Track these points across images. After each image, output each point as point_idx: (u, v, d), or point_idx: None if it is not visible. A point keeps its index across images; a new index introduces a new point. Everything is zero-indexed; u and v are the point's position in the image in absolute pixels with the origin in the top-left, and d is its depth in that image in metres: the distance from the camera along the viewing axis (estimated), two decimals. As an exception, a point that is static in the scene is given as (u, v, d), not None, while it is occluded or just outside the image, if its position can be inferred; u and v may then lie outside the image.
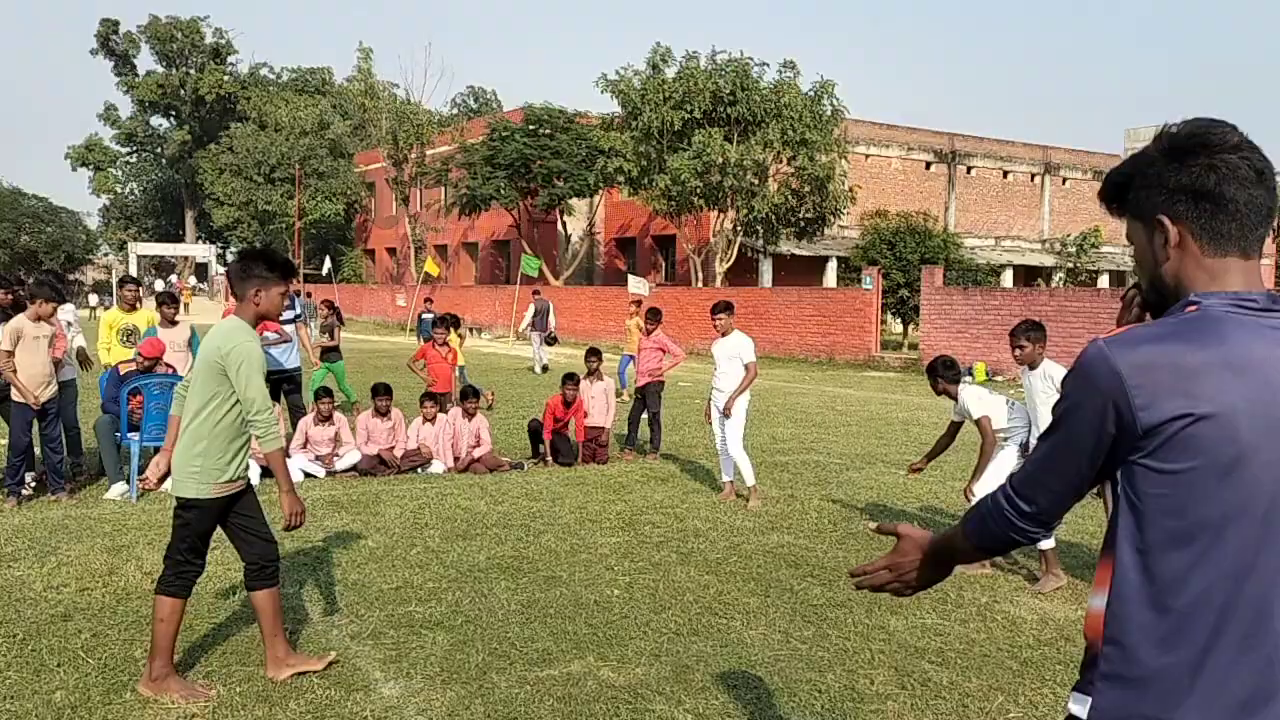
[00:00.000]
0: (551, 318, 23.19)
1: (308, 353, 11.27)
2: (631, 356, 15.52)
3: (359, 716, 4.29)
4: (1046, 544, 6.36)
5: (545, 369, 21.97)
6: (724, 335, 8.94)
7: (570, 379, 10.79)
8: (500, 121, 39.22)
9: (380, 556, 6.78)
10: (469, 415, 10.26)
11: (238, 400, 4.38)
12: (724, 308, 9.05)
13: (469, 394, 10.44)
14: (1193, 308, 1.67)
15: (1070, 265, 37.42)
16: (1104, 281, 41.41)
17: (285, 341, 10.40)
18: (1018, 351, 6.51)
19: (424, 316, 21.96)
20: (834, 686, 4.67)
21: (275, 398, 9.94)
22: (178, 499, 4.47)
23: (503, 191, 37.52)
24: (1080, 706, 1.72)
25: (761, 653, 5.07)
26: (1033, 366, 6.51)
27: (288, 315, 10.65)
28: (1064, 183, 49.09)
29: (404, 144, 46.42)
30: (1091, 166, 49.96)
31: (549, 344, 23.24)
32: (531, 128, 36.89)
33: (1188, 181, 1.69)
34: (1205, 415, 1.58)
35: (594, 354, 11.44)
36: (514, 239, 43.02)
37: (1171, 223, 1.72)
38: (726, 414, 8.69)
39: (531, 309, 22.63)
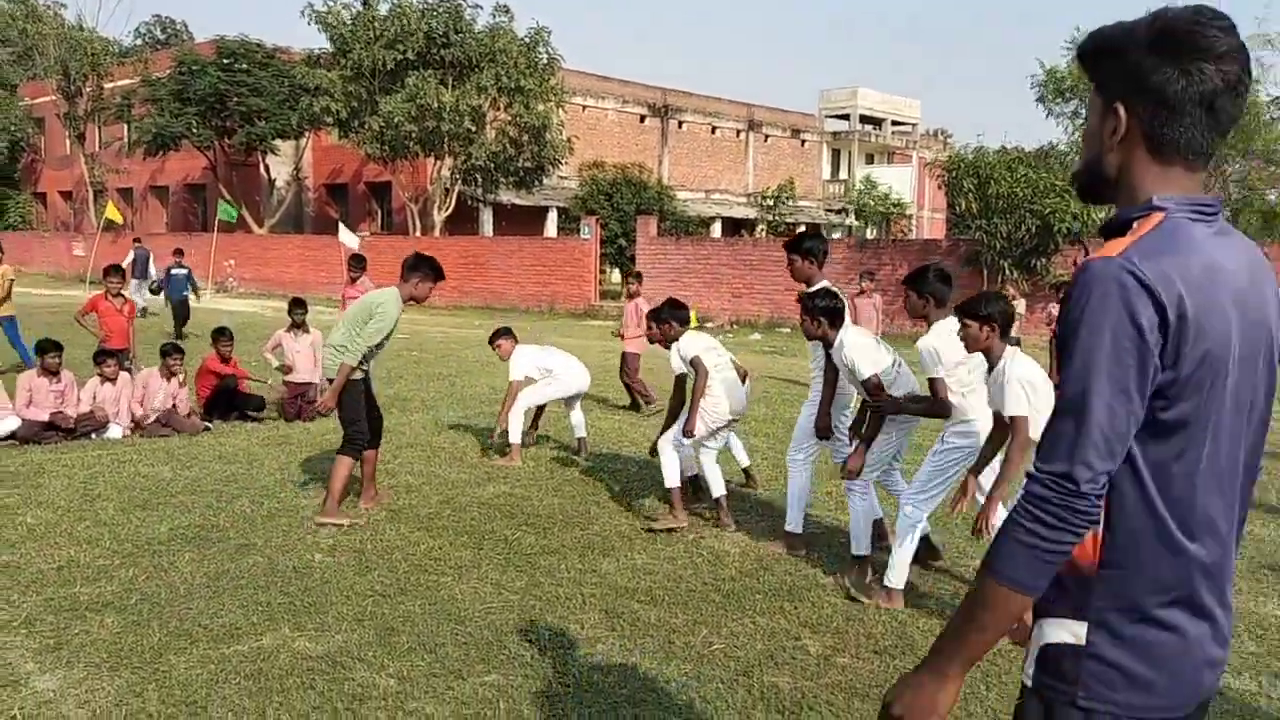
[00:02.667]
0: (152, 267, 22.98)
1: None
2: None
3: (6, 715, 3.74)
4: (674, 481, 6.38)
5: (145, 312, 21.41)
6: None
7: (222, 333, 10.03)
8: (189, 54, 35.81)
9: (41, 534, 5.98)
10: (169, 375, 9.30)
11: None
12: (502, 333, 8.72)
13: (170, 350, 9.42)
14: (1159, 215, 1.63)
15: (770, 218, 39.73)
16: (838, 234, 44.37)
17: None
18: (652, 330, 6.76)
19: (175, 273, 19.30)
20: (544, 634, 4.61)
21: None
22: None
23: (195, 130, 34.39)
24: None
25: (472, 607, 4.92)
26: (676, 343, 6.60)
27: None
28: (766, 139, 51.79)
29: (77, 76, 41.39)
30: (789, 125, 53.05)
31: (153, 293, 22.78)
32: (226, 62, 33.99)
33: (1158, 82, 1.63)
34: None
35: (299, 305, 10.72)
36: (210, 183, 39.72)
37: (1127, 115, 1.67)
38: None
39: (131, 256, 21.89)
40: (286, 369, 10.24)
